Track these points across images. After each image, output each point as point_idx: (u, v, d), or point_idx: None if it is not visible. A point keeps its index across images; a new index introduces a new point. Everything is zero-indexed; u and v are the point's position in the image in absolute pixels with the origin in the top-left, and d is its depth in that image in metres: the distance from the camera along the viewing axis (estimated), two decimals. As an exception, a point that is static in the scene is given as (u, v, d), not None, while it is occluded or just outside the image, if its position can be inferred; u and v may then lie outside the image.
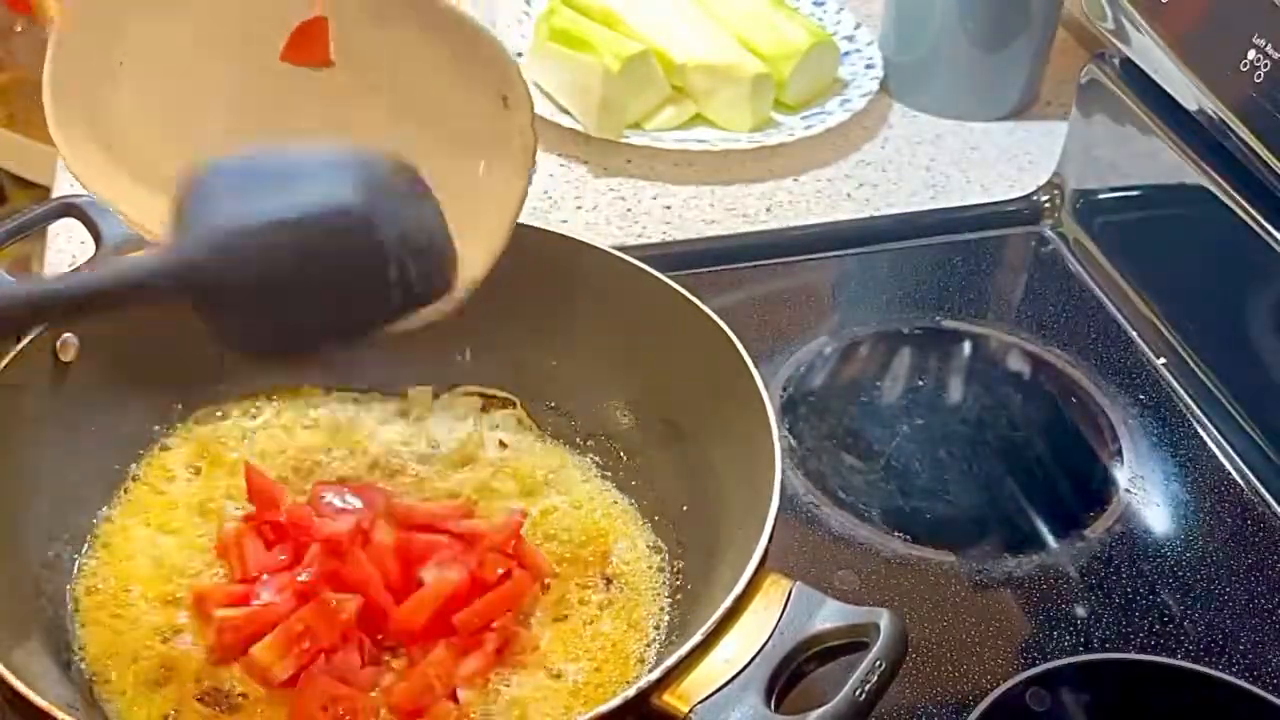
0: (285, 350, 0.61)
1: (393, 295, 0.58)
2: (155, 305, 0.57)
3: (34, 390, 0.77)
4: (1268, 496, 0.91)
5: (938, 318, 1.05)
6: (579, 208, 1.14)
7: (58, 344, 0.79)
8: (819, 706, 0.61)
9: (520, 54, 1.26)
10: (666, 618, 0.78)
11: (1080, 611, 0.83)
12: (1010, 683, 0.75)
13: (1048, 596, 0.84)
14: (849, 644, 0.66)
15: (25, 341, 0.77)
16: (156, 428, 0.85)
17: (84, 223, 0.89)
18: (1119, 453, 0.94)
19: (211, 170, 0.55)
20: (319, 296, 0.56)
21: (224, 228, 0.53)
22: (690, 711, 0.63)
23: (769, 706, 0.63)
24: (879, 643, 0.64)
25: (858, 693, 0.62)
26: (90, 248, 0.86)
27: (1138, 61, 1.03)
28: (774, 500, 0.71)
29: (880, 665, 0.63)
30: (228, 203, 0.54)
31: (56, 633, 0.74)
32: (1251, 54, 0.89)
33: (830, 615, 0.66)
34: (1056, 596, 0.84)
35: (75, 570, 0.77)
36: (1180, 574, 0.86)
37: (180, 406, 0.86)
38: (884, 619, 0.65)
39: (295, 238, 0.55)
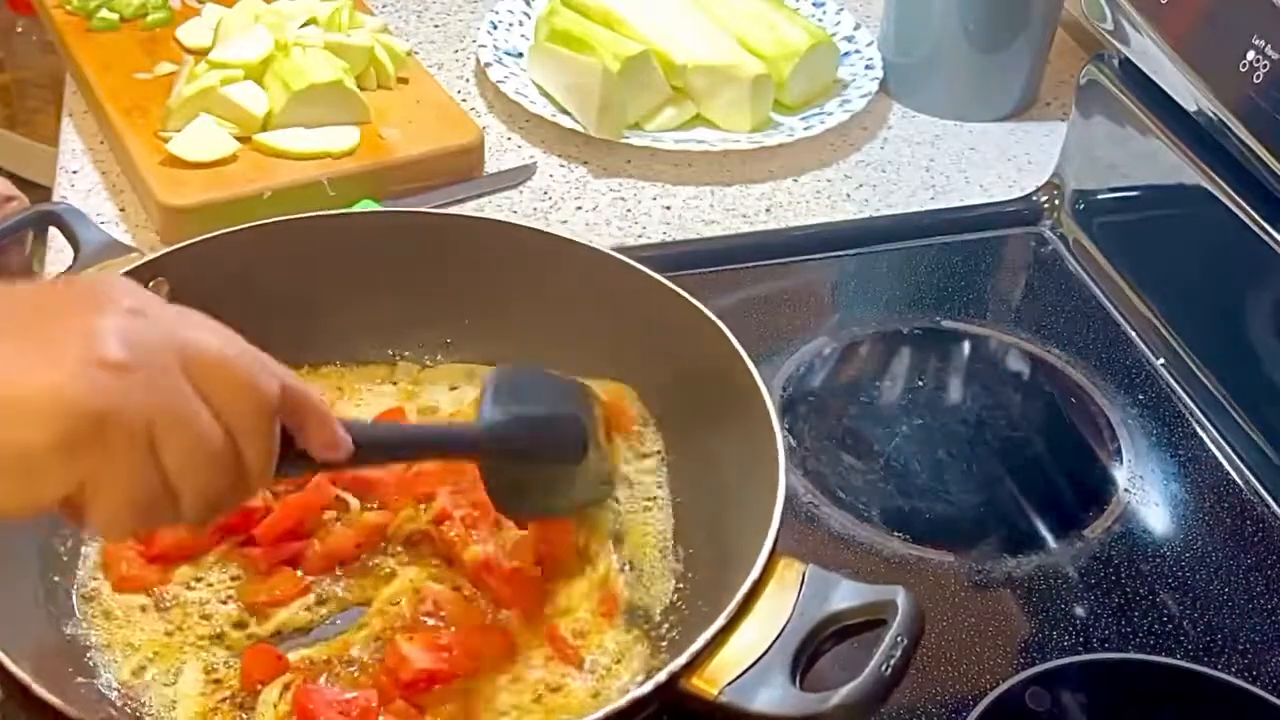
0: (526, 507, 0.79)
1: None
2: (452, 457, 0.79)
3: None
4: (1267, 496, 0.91)
5: (937, 318, 1.05)
6: (579, 208, 1.14)
7: None
8: (845, 685, 0.63)
9: (520, 54, 1.27)
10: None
11: (1080, 611, 0.83)
12: (1010, 683, 0.76)
13: (1047, 596, 0.84)
14: (866, 622, 0.67)
15: None
16: None
17: (62, 231, 0.88)
18: (1118, 453, 0.94)
19: (495, 381, 0.77)
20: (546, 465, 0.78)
21: (501, 420, 0.75)
22: (719, 693, 0.64)
23: (795, 685, 0.64)
24: (898, 619, 0.66)
25: (883, 668, 0.64)
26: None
27: (1137, 62, 1.03)
28: (780, 486, 0.72)
29: (902, 640, 0.65)
30: (505, 404, 0.75)
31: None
32: (1251, 54, 0.89)
33: (847, 595, 0.68)
34: (1056, 596, 0.84)
35: (72, 587, 0.77)
36: (1180, 574, 0.86)
37: None
38: (900, 596, 0.67)
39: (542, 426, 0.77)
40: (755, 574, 0.67)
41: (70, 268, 0.85)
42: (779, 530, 0.70)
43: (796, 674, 0.65)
